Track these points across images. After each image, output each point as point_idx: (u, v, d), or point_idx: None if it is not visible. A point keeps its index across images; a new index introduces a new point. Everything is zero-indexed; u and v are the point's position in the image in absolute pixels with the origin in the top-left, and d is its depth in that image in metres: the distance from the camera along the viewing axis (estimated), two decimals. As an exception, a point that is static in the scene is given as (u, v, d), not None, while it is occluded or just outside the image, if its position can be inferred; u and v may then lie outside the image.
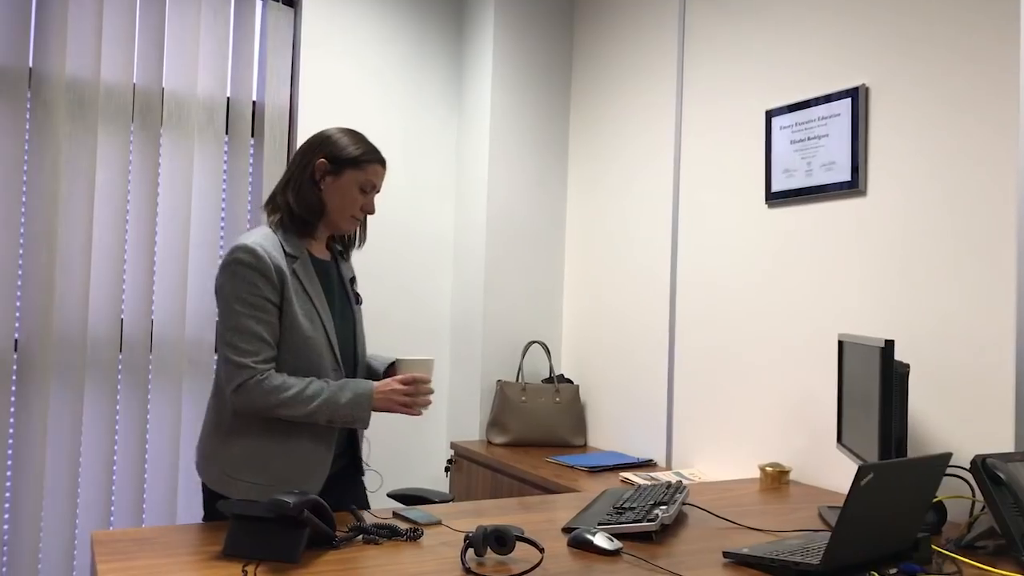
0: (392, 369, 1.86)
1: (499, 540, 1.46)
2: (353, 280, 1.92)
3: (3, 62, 2.65)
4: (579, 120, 3.41)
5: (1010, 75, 1.88)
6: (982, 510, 1.78)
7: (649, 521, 1.64)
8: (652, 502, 1.78)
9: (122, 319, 2.86)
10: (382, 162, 1.81)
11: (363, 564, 1.43)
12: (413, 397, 1.65)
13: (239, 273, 1.64)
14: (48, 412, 2.69)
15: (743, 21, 2.61)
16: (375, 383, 1.69)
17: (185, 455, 2.96)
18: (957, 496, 1.83)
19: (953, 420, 1.97)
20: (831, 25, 2.31)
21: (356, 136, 1.80)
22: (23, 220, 2.69)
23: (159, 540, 1.51)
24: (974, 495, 1.81)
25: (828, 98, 2.28)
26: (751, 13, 2.58)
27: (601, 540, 1.55)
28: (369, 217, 3.26)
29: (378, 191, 1.83)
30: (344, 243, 1.92)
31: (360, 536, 1.57)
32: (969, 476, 1.81)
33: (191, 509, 2.96)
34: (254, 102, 3.12)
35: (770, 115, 2.46)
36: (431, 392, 1.65)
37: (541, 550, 1.45)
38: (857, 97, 2.20)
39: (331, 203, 1.76)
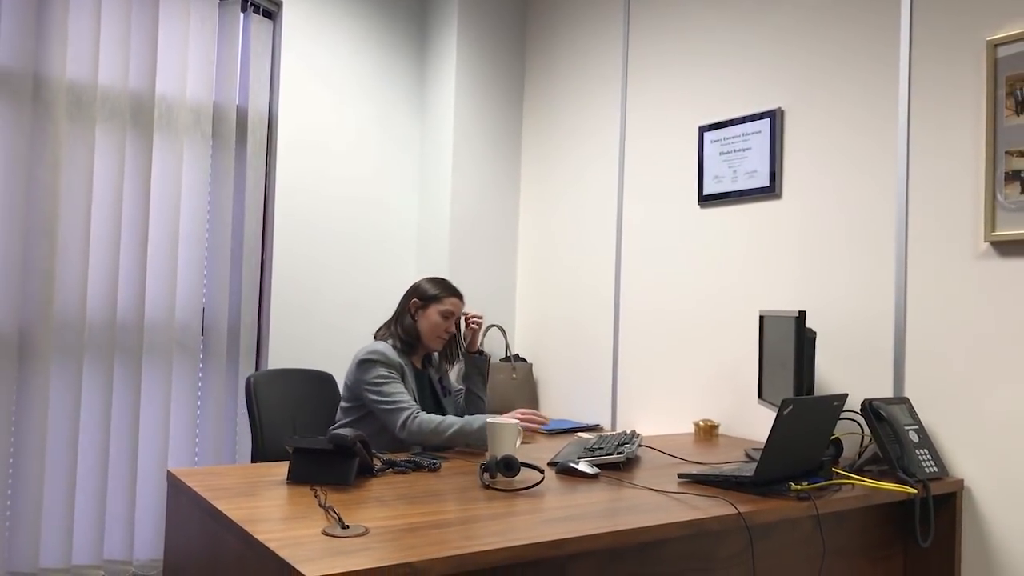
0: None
1: (507, 466, 1.85)
2: (441, 379, 2.63)
3: (9, 65, 2.87)
4: (530, 129, 3.82)
5: (891, 104, 2.39)
6: (869, 442, 2.28)
7: (618, 454, 2.06)
8: (617, 443, 2.20)
9: (117, 305, 3.10)
10: (458, 295, 2.58)
11: (402, 485, 1.80)
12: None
13: (371, 366, 2.38)
14: (49, 390, 2.91)
15: (679, 51, 3.08)
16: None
17: (175, 427, 3.22)
18: (850, 433, 2.33)
19: (848, 374, 2.47)
20: (753, 58, 2.80)
21: (438, 281, 2.60)
22: (25, 213, 2.90)
23: (228, 474, 1.84)
24: (863, 432, 2.31)
25: (750, 118, 2.76)
26: (686, 43, 3.05)
27: (584, 466, 1.96)
28: (342, 206, 3.63)
29: (458, 317, 2.58)
30: (439, 363, 2.66)
31: (391, 468, 1.93)
32: (860, 417, 2.31)
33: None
34: (238, 107, 3.40)
35: (702, 130, 2.93)
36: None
37: (541, 472, 1.85)
38: (774, 118, 2.68)
39: (423, 328, 2.52)
